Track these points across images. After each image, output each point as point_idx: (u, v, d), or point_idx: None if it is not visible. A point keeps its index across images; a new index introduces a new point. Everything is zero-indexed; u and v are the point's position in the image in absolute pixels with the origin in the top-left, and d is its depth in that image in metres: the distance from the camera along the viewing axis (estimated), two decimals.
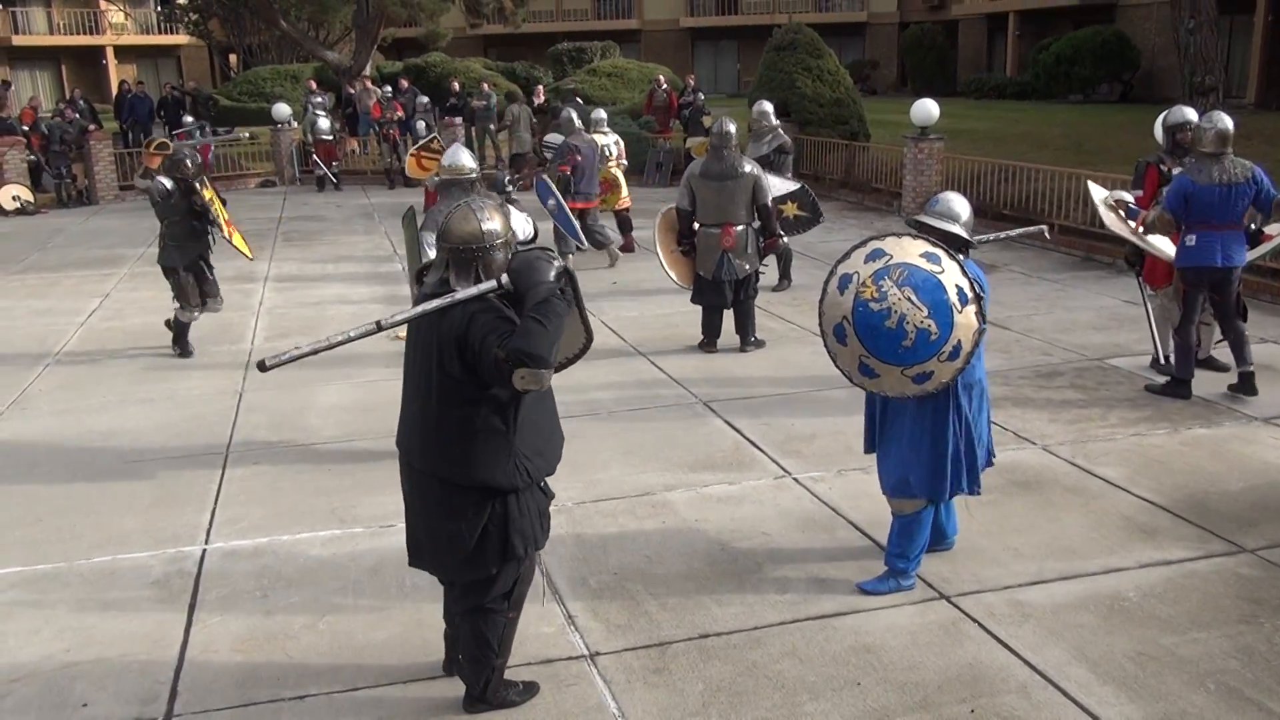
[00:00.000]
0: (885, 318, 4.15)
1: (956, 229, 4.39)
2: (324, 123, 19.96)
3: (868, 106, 19.71)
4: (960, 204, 4.47)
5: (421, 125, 18.58)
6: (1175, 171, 7.36)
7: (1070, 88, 30.29)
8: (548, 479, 3.69)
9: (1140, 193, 7.60)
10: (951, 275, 4.15)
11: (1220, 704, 3.71)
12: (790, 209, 9.89)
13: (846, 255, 4.36)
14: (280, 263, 12.75)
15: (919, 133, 14.74)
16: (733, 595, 4.54)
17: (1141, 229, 7.21)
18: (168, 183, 8.21)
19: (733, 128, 8.35)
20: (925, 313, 4.10)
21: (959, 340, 4.13)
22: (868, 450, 4.77)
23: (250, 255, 9.37)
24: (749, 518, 5.32)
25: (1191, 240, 6.71)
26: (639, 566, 4.82)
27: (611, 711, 3.75)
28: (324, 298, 10.74)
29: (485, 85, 22.50)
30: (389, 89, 21.77)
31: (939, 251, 4.20)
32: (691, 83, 21.77)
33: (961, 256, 4.29)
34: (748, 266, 8.24)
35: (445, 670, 3.97)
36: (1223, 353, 7.55)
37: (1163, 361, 7.60)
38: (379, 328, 3.36)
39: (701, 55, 43.03)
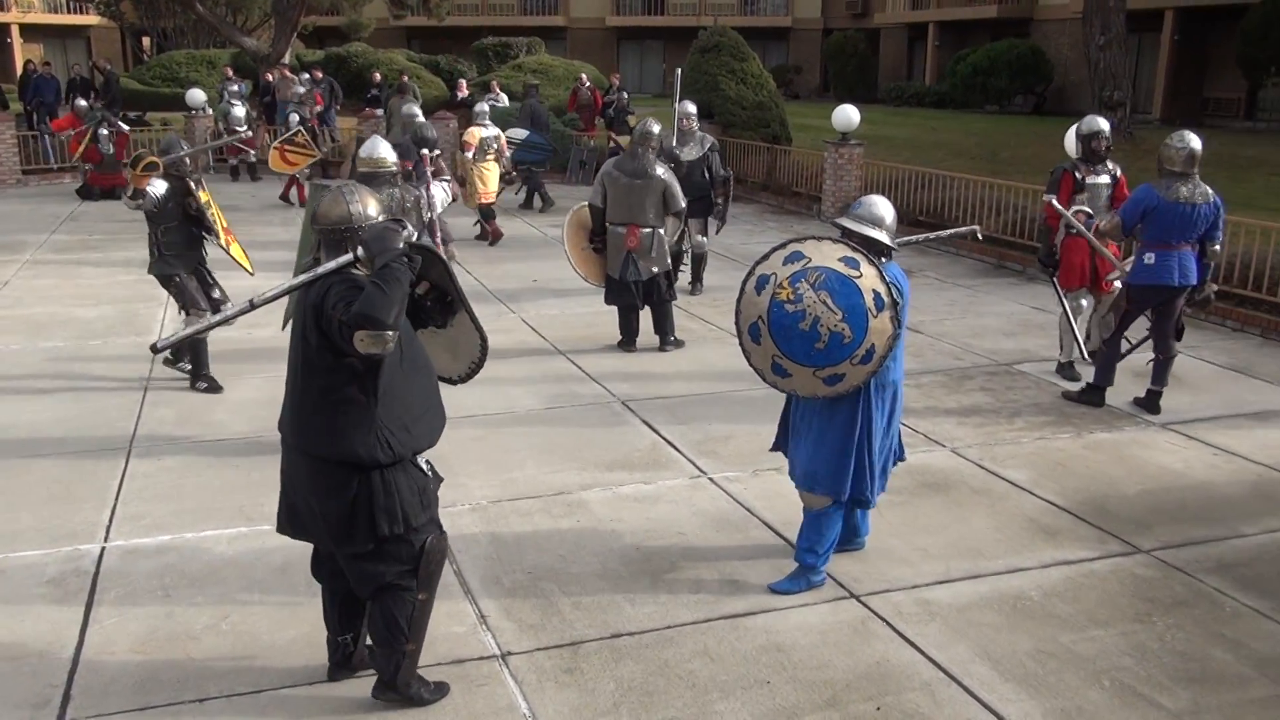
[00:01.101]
0: (800, 319, 4.20)
1: (879, 234, 4.41)
2: (239, 111, 19.50)
3: (790, 111, 19.93)
4: (884, 208, 4.50)
5: (295, 119, 17.88)
6: (1089, 180, 7.69)
7: (986, 98, 31.06)
8: (434, 461, 3.74)
9: (1054, 196, 7.68)
10: (869, 280, 4.20)
11: (1115, 700, 3.83)
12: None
13: (765, 256, 4.40)
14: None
15: (840, 138, 14.95)
16: (646, 595, 4.54)
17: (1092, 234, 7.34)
18: (161, 188, 7.37)
19: (656, 129, 8.38)
20: (840, 316, 4.16)
21: (872, 344, 4.19)
22: (774, 448, 4.85)
23: (251, 270, 8.42)
24: (664, 517, 5.34)
25: (1150, 259, 6.71)
26: (553, 566, 4.80)
27: (522, 712, 3.73)
28: (238, 288, 10.47)
29: (405, 78, 22.24)
30: (307, 78, 21.35)
31: (858, 256, 4.25)
32: (616, 81, 21.77)
33: (883, 260, 4.35)
34: (654, 269, 8.24)
35: (330, 676, 3.90)
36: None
37: (1087, 358, 7.78)
38: (252, 306, 3.47)
39: (627, 54, 43.09)
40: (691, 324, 9.22)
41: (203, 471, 5.88)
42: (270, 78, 22.00)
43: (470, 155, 12.60)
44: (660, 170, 8.23)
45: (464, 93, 21.79)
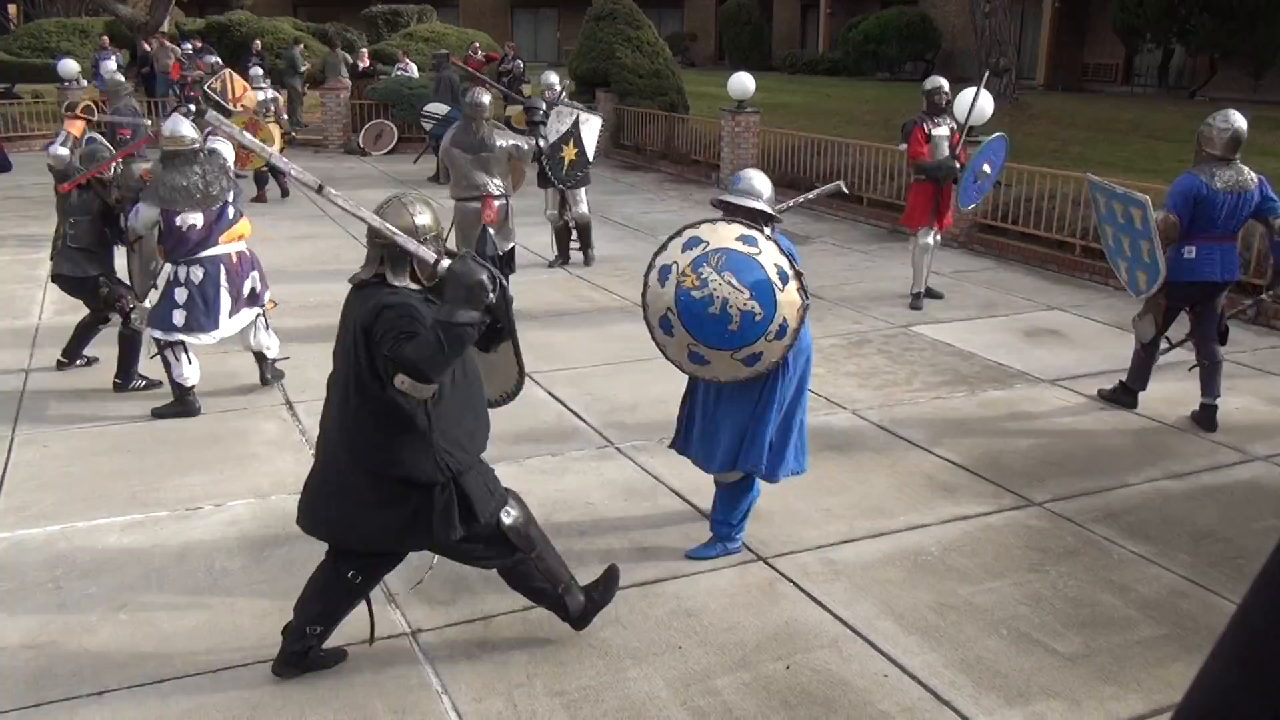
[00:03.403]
0: (709, 304, 4.18)
1: (760, 205, 4.44)
2: (111, 65, 18.80)
3: (686, 79, 19.96)
4: (761, 180, 4.53)
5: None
6: (934, 131, 8.63)
7: (878, 65, 31.57)
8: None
9: (904, 146, 8.96)
10: (769, 255, 4.22)
11: (1012, 647, 3.98)
12: (569, 153, 9.80)
13: (663, 246, 4.35)
14: None
15: (736, 106, 15.03)
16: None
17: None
18: (65, 151, 6.72)
19: (486, 99, 8.25)
20: (747, 295, 4.16)
21: (784, 318, 4.22)
22: (675, 444, 4.78)
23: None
24: (572, 488, 5.34)
25: (1190, 252, 6.05)
26: None
27: (435, 688, 3.71)
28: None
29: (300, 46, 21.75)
30: (188, 47, 20.60)
31: (754, 233, 4.26)
32: (510, 50, 21.50)
33: (770, 231, 4.38)
34: (509, 243, 8.21)
35: (279, 667, 3.72)
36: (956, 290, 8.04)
37: (923, 292, 8.80)
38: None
39: (521, 23, 42.56)
40: (594, 294, 9.20)
41: (92, 458, 5.66)
42: (148, 47, 21.17)
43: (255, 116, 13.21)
44: (501, 140, 8.13)
45: (365, 63, 21.27)
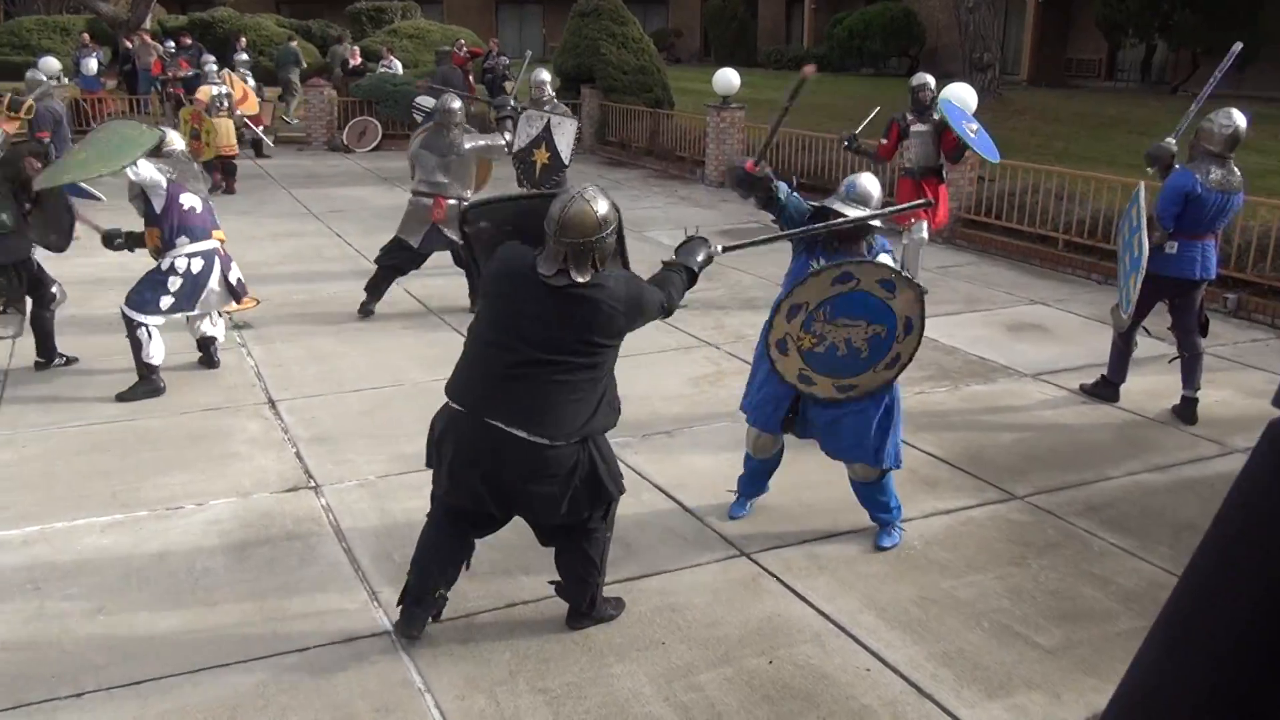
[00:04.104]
0: (834, 350, 4.37)
1: (865, 212, 4.47)
2: (92, 63, 18.83)
3: (671, 75, 19.94)
4: (873, 183, 4.58)
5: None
6: (914, 128, 8.68)
7: (862, 61, 31.58)
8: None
9: (885, 141, 9.05)
10: (902, 305, 4.33)
11: (993, 640, 3.99)
12: (541, 156, 9.75)
13: (802, 282, 4.33)
14: None
15: (721, 102, 15.03)
16: (540, 562, 4.51)
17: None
18: None
19: (456, 105, 8.41)
20: (864, 323, 4.34)
21: (907, 317, 4.36)
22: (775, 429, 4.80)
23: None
24: None
25: (1172, 248, 6.09)
26: None
27: (418, 686, 3.70)
28: (103, 268, 10.02)
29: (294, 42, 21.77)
30: (171, 44, 20.47)
31: (894, 279, 4.32)
32: (495, 47, 21.45)
33: (873, 237, 4.53)
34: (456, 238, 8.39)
35: (408, 629, 3.91)
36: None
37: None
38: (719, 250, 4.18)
39: (506, 19, 42.44)
40: None
41: (71, 458, 5.62)
42: (130, 44, 21.03)
43: (205, 113, 13.71)
44: (470, 143, 8.37)
45: (356, 61, 21.17)
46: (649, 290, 3.75)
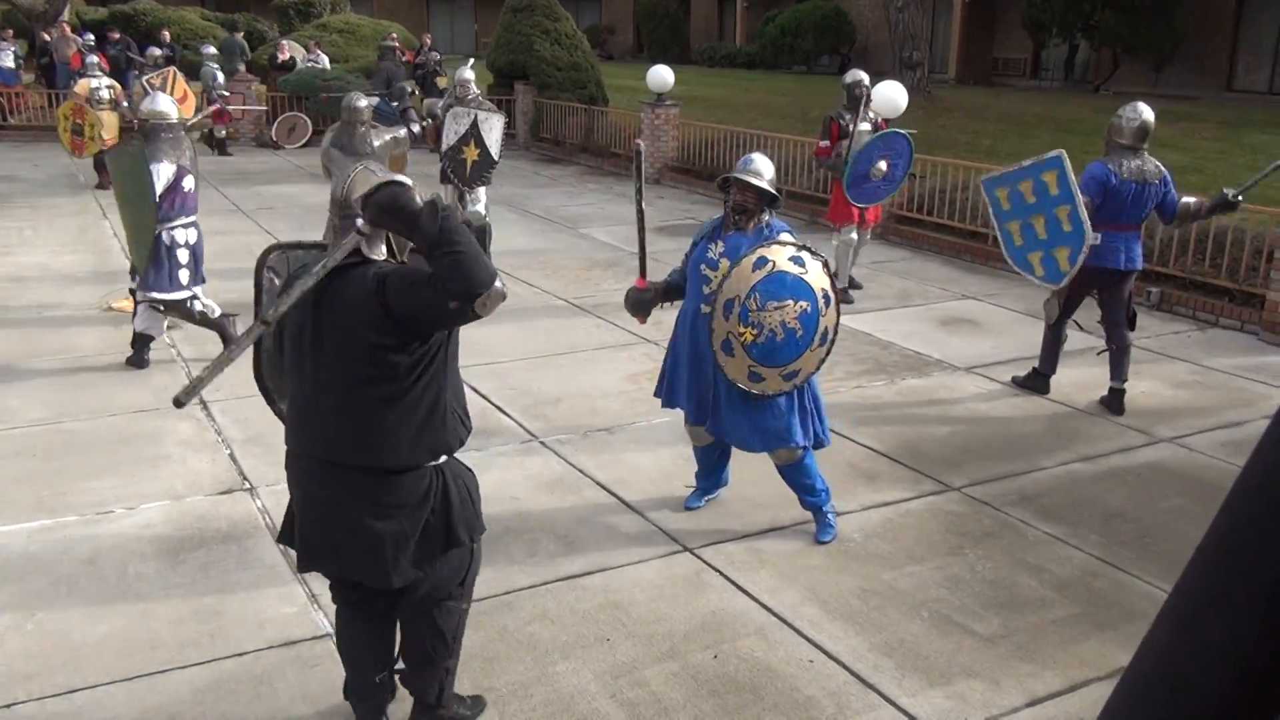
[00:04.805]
0: (773, 337, 4.39)
1: (766, 185, 4.53)
2: (8, 57, 18.32)
3: (605, 71, 19.92)
4: (765, 163, 4.62)
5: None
6: (853, 127, 8.65)
7: (794, 59, 31.87)
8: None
9: (826, 143, 8.93)
10: (815, 277, 4.44)
11: (933, 630, 4.06)
12: (471, 153, 9.63)
13: (726, 275, 4.38)
14: None
15: (655, 99, 15.05)
16: (483, 561, 4.50)
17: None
18: None
19: (362, 103, 8.50)
20: (791, 301, 4.39)
21: (825, 327, 4.49)
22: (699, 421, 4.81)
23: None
24: (496, 483, 5.29)
25: (1097, 239, 6.14)
26: None
27: None
28: (23, 267, 9.74)
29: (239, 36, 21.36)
30: (91, 37, 19.92)
31: (803, 254, 4.44)
32: (428, 42, 21.24)
33: (771, 211, 4.61)
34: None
35: (345, 695, 3.45)
36: (879, 284, 8.20)
37: (848, 287, 8.74)
38: (267, 325, 2.95)
39: (437, 14, 42.05)
40: (517, 288, 9.13)
41: None
42: (48, 37, 20.45)
43: (87, 105, 13.34)
44: (377, 140, 8.51)
45: (285, 56, 20.77)
46: (415, 270, 2.99)
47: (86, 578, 4.34)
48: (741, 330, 4.38)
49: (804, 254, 4.44)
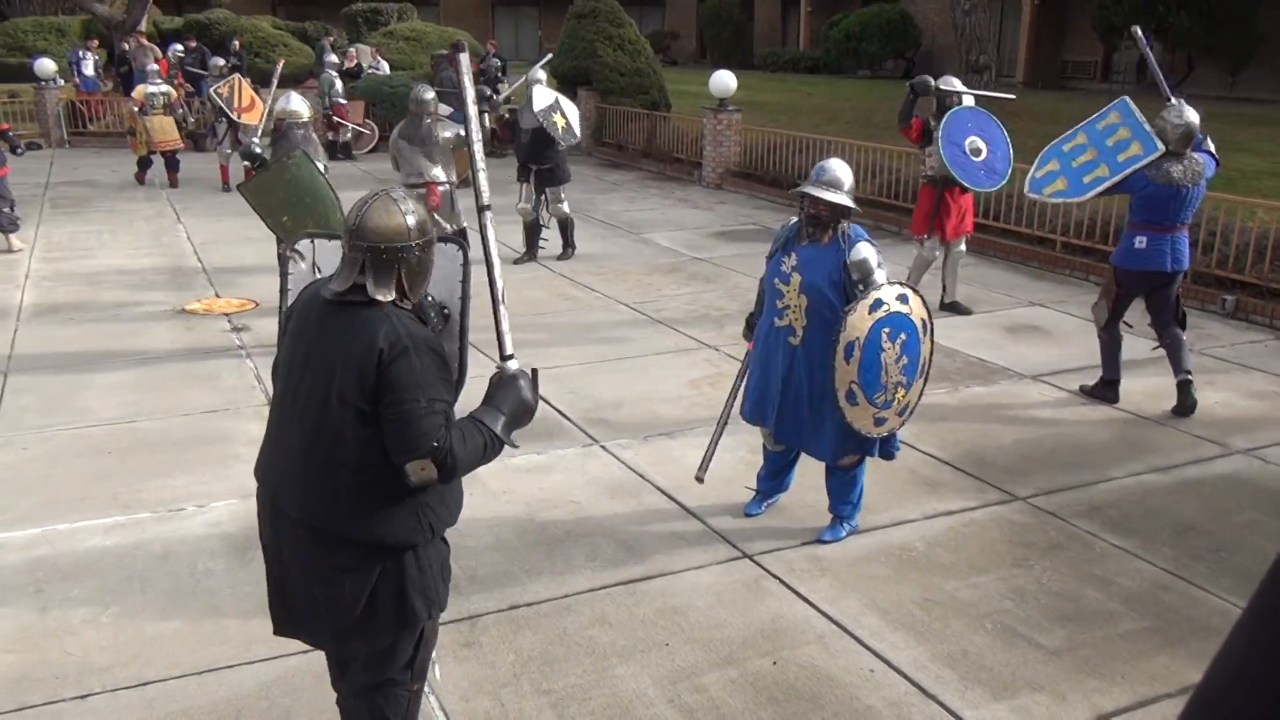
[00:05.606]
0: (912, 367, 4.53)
1: (844, 199, 4.51)
2: (90, 65, 19.14)
3: (668, 77, 19.94)
4: (843, 169, 4.60)
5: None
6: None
7: (859, 63, 31.64)
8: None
9: (909, 126, 8.60)
10: (917, 310, 4.49)
11: (997, 642, 4.00)
12: (560, 120, 9.84)
13: (851, 309, 4.39)
14: (49, 230, 11.80)
15: (718, 104, 15.04)
16: (542, 564, 4.54)
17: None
18: None
19: (429, 95, 8.86)
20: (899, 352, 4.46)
21: (922, 318, 4.54)
22: (754, 419, 4.88)
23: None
24: (557, 487, 5.33)
25: (1141, 242, 6.19)
26: None
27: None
28: (99, 269, 10.02)
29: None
30: (179, 47, 20.40)
31: (907, 291, 4.49)
32: (492, 49, 21.45)
33: (847, 223, 4.57)
34: (451, 227, 8.70)
35: None
36: (981, 302, 8.08)
37: (951, 301, 8.61)
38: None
39: (502, 21, 42.48)
40: (577, 292, 9.19)
41: (72, 460, 5.61)
42: (127, 46, 21.02)
43: (137, 110, 14.50)
44: (445, 132, 8.78)
45: (353, 62, 21.09)
46: (438, 383, 2.74)
47: (159, 573, 4.46)
48: (892, 371, 4.41)
49: (906, 291, 4.48)
